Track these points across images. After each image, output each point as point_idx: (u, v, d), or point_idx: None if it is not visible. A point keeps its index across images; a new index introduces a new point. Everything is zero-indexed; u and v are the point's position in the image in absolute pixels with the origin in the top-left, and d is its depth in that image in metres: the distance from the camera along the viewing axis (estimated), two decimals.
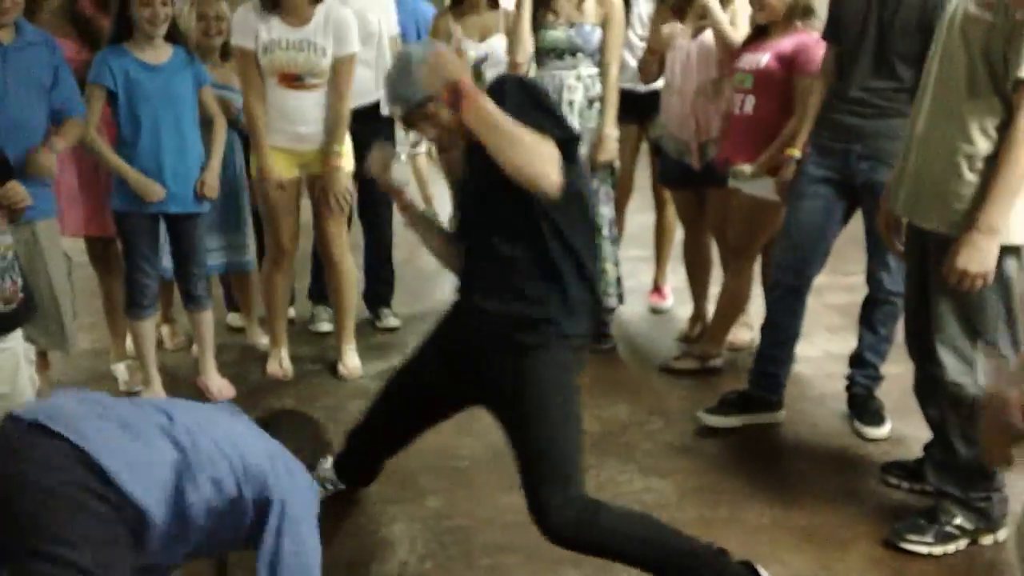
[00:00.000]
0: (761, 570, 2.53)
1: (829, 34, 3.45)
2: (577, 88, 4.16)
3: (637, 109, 4.52)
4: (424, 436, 3.42)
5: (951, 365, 2.76)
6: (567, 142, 2.45)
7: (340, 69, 3.93)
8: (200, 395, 4.01)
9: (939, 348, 2.77)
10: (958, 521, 2.84)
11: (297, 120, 3.95)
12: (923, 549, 2.84)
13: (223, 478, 2.05)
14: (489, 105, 2.37)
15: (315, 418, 2.70)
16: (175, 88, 3.72)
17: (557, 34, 4.13)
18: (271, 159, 3.96)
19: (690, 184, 4.36)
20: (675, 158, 4.34)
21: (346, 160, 4.07)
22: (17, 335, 2.79)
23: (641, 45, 4.50)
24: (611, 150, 4.21)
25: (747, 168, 3.79)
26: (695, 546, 2.48)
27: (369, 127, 4.26)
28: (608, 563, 2.72)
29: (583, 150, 4.08)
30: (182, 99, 3.75)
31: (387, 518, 3.12)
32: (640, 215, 5.30)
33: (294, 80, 3.91)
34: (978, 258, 2.60)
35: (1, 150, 2.96)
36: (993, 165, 2.58)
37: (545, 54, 4.17)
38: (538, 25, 4.15)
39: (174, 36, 3.77)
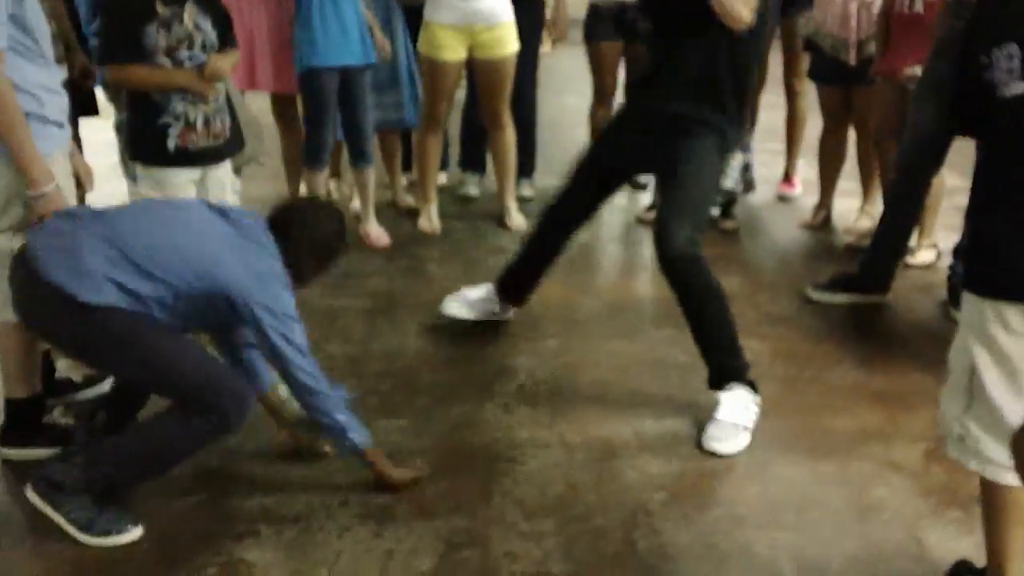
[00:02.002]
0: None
1: None
2: None
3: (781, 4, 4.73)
4: (550, 289, 3.92)
5: None
6: None
7: None
8: (360, 243, 4.56)
9: None
10: None
11: None
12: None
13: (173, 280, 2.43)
14: None
15: (332, 223, 2.79)
16: None
17: None
18: (440, 38, 4.37)
19: (841, 81, 4.54)
20: (831, 54, 4.52)
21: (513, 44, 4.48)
22: (226, 166, 3.37)
23: None
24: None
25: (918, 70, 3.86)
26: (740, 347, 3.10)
27: (519, 8, 4.61)
28: (695, 400, 3.18)
29: None
30: None
31: (512, 350, 3.61)
32: (773, 110, 5.51)
33: None
34: None
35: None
36: None
37: None
38: None
39: None
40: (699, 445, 2.99)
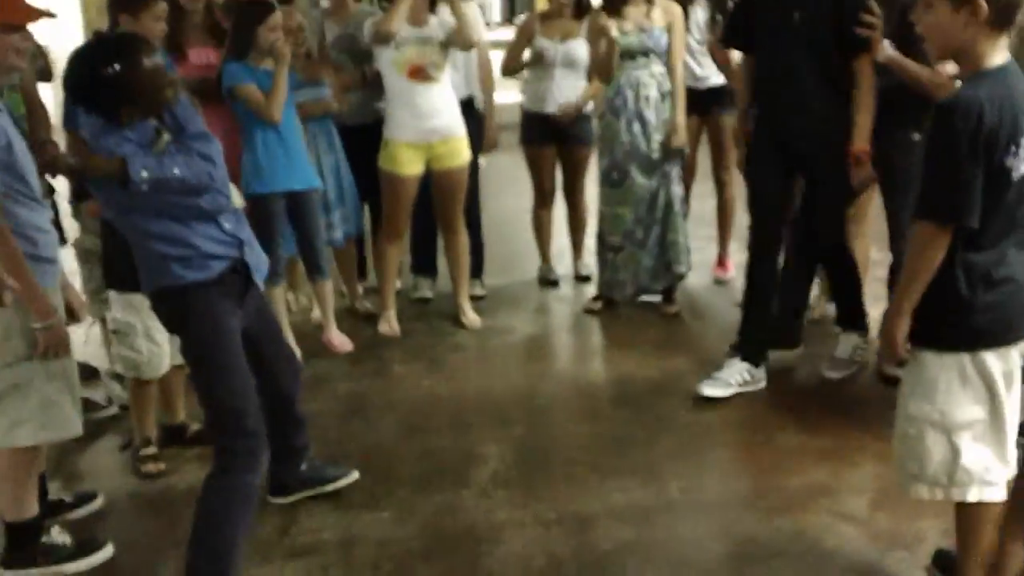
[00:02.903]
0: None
1: None
2: (651, 84, 4.81)
3: (698, 104, 5.15)
4: (511, 380, 4.18)
5: None
6: None
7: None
8: (325, 350, 4.77)
9: None
10: None
11: (428, 114, 4.70)
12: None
13: None
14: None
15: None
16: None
17: (631, 39, 4.77)
18: (401, 154, 4.71)
19: None
20: None
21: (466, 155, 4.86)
22: None
23: (698, 48, 5.13)
24: (682, 137, 4.84)
25: None
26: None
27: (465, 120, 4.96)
28: (659, 470, 3.43)
29: (658, 138, 4.77)
30: (289, 99, 4.44)
31: (483, 440, 3.83)
32: (704, 199, 5.89)
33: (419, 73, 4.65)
34: None
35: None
36: None
37: (622, 57, 4.81)
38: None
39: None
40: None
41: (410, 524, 3.24)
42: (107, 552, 3.09)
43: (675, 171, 4.92)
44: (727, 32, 4.34)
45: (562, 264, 5.83)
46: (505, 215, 6.68)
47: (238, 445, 2.77)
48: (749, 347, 4.18)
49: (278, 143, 4.41)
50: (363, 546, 3.12)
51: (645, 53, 4.80)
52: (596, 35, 4.86)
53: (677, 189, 4.94)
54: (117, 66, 2.58)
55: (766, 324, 4.22)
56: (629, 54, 4.80)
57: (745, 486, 3.38)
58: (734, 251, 5.73)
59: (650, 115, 4.82)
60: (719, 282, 5.67)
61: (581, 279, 5.72)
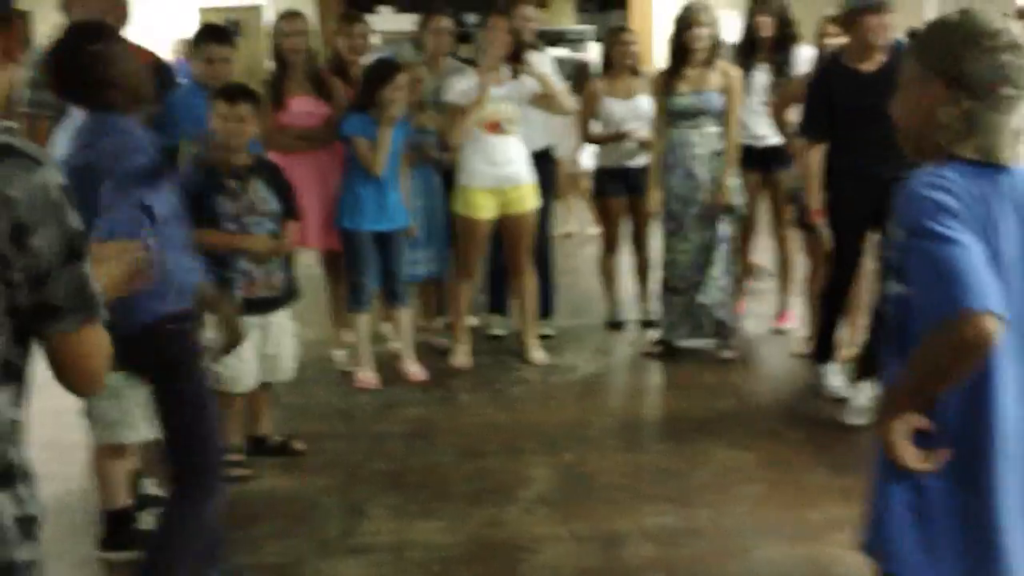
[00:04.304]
0: None
1: None
2: (702, 144, 5.15)
3: (757, 162, 5.45)
4: (567, 412, 4.52)
5: None
6: None
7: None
8: (400, 378, 5.17)
9: None
10: None
11: (503, 163, 5.11)
12: None
13: None
14: None
15: None
16: (396, 139, 4.90)
17: (685, 100, 5.13)
18: (476, 199, 5.13)
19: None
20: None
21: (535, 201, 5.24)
22: (284, 313, 4.03)
23: (760, 109, 5.44)
24: (727, 196, 5.16)
25: None
26: None
27: (537, 168, 5.37)
28: (692, 499, 3.72)
29: (707, 196, 5.10)
30: (395, 147, 4.94)
31: (533, 463, 4.17)
32: (765, 253, 6.15)
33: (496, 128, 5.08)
34: None
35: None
36: None
37: (676, 116, 5.17)
38: (670, 91, 5.16)
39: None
40: None
41: (458, 533, 3.59)
42: None
43: (723, 225, 5.23)
44: (808, 125, 4.63)
45: (629, 309, 6.15)
46: (578, 262, 7.04)
47: (212, 480, 2.93)
48: (868, 364, 4.44)
49: (375, 188, 4.88)
50: (414, 549, 3.48)
51: (698, 114, 5.13)
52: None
53: (725, 234, 5.25)
54: (101, 45, 2.73)
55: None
56: (683, 115, 5.14)
57: (769, 517, 3.64)
58: (794, 303, 5.98)
59: (700, 171, 5.15)
60: (777, 332, 5.91)
61: (646, 324, 6.02)
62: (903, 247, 1.78)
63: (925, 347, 1.71)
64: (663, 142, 5.24)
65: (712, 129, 5.17)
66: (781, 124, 5.27)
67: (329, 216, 5.03)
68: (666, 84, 5.18)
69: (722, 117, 5.17)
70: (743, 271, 5.89)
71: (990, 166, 1.78)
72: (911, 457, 1.76)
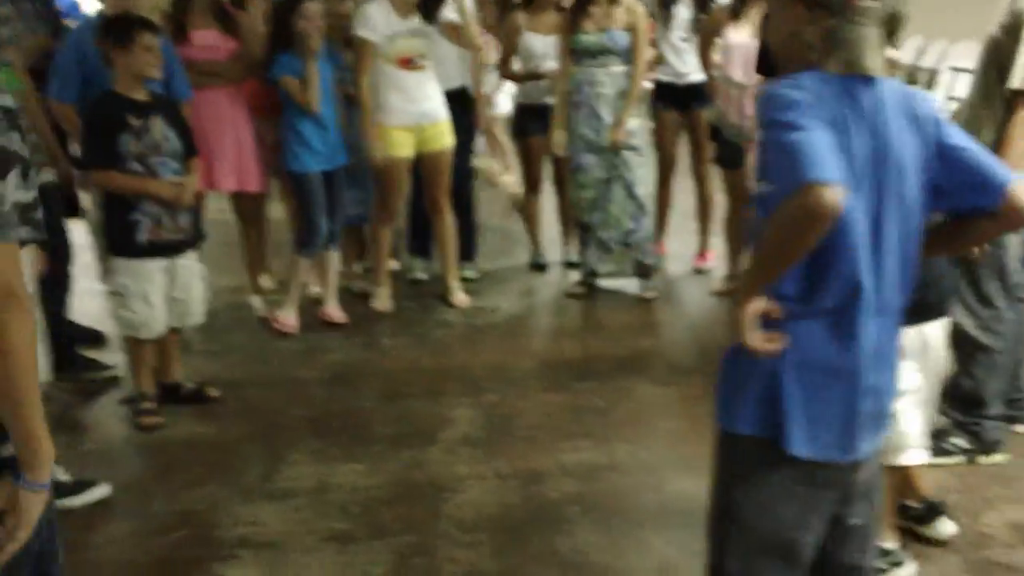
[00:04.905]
0: None
1: None
2: (607, 83, 5.13)
3: (678, 100, 5.44)
4: (488, 354, 4.52)
5: (957, 310, 3.43)
6: None
7: None
8: (320, 323, 5.10)
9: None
10: (956, 440, 3.56)
11: (418, 99, 5.01)
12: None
13: None
14: None
15: None
16: (324, 75, 4.81)
17: (591, 38, 5.10)
18: (394, 138, 5.02)
19: (743, 164, 5.20)
20: (733, 142, 5.17)
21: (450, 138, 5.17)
22: (191, 255, 3.94)
23: (682, 46, 5.41)
24: (622, 133, 5.13)
25: None
26: None
27: (455, 108, 5.29)
28: (611, 435, 3.75)
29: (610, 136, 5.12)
30: (330, 81, 4.86)
31: (455, 405, 4.16)
32: (684, 194, 6.17)
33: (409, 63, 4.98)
34: None
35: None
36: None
37: (581, 55, 5.14)
38: (575, 29, 5.12)
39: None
40: None
41: (380, 475, 3.57)
42: (104, 490, 3.43)
43: (634, 160, 5.21)
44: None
45: (552, 250, 6.14)
46: (499, 204, 7.00)
47: None
48: None
49: (315, 127, 4.79)
50: (335, 492, 3.46)
51: (604, 52, 5.10)
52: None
53: (635, 177, 5.24)
54: None
55: None
56: (588, 53, 5.11)
57: (686, 452, 3.67)
58: (714, 244, 6.03)
59: (604, 112, 5.14)
60: (698, 271, 5.96)
61: (569, 265, 6.02)
62: (760, 143, 1.84)
63: (772, 223, 1.74)
64: (567, 81, 5.21)
65: (618, 68, 5.15)
66: (706, 61, 5.24)
67: (239, 158, 4.90)
68: (571, 22, 5.14)
69: (629, 55, 5.14)
70: (662, 211, 5.90)
71: (853, 77, 1.83)
72: (756, 339, 1.80)
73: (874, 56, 1.83)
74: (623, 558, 2.99)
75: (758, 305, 1.80)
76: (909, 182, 1.86)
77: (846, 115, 1.79)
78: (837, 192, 1.65)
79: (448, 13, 5.11)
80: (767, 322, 1.81)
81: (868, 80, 1.83)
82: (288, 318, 5.04)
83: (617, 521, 3.20)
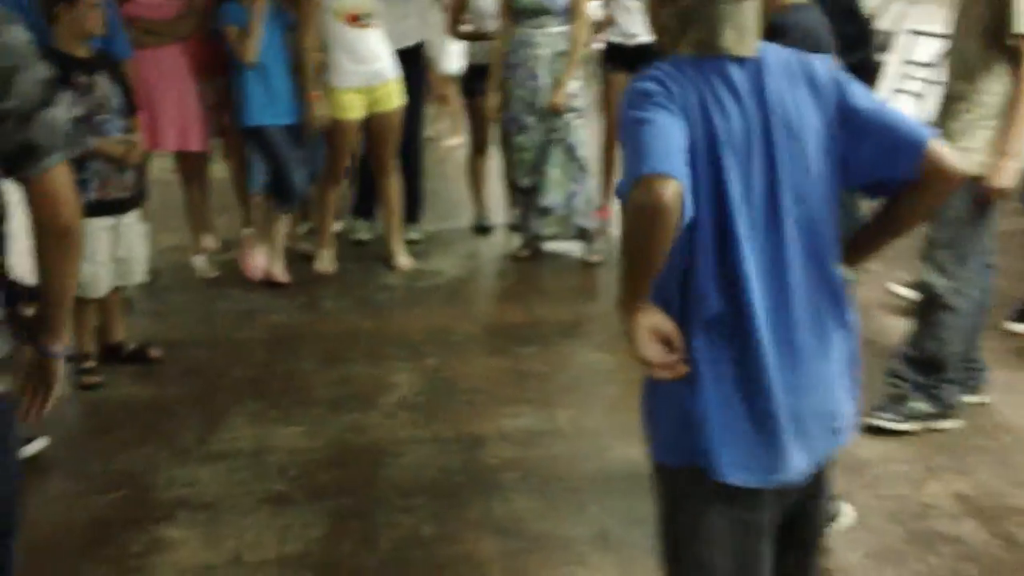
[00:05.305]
0: None
1: None
2: (544, 44, 5.11)
3: (627, 60, 5.43)
4: (431, 319, 4.53)
5: (924, 269, 3.49)
6: None
7: None
8: (259, 284, 5.06)
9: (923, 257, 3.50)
10: (914, 404, 3.55)
11: (369, 59, 4.95)
12: (889, 425, 3.54)
13: None
14: None
15: None
16: (273, 32, 4.76)
17: None
18: (345, 100, 4.96)
19: None
20: None
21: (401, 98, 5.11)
22: (135, 214, 3.89)
23: (633, 5, 5.39)
24: (561, 96, 5.11)
25: None
26: None
27: (409, 67, 5.25)
28: (551, 401, 3.79)
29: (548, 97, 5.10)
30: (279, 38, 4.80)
31: (396, 369, 4.15)
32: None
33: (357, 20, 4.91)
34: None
35: None
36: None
37: (519, 15, 5.10)
38: None
39: None
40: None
41: (319, 438, 3.57)
42: (41, 443, 3.40)
43: (575, 122, 5.21)
44: None
45: (496, 213, 6.12)
46: (445, 164, 6.98)
47: None
48: None
49: (258, 80, 4.73)
50: (273, 454, 3.46)
51: (542, 12, 5.07)
52: None
53: (576, 139, 5.23)
54: None
55: None
56: (525, 13, 5.08)
57: (628, 418, 3.66)
58: None
59: (542, 73, 5.11)
60: None
61: (514, 228, 6.01)
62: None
63: (622, 226, 1.65)
64: (506, 42, 5.18)
65: (556, 29, 5.12)
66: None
67: (182, 117, 4.83)
68: None
69: (568, 16, 5.12)
70: (609, 174, 5.91)
71: (709, 57, 1.74)
72: (656, 359, 1.66)
73: (734, 34, 1.74)
74: (561, 525, 3.02)
75: (649, 320, 1.66)
76: (809, 155, 1.74)
77: (712, 96, 1.70)
78: (670, 185, 1.55)
79: None
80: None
81: (729, 59, 1.74)
82: (277, 270, 5.09)
83: (556, 487, 3.23)
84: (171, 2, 4.76)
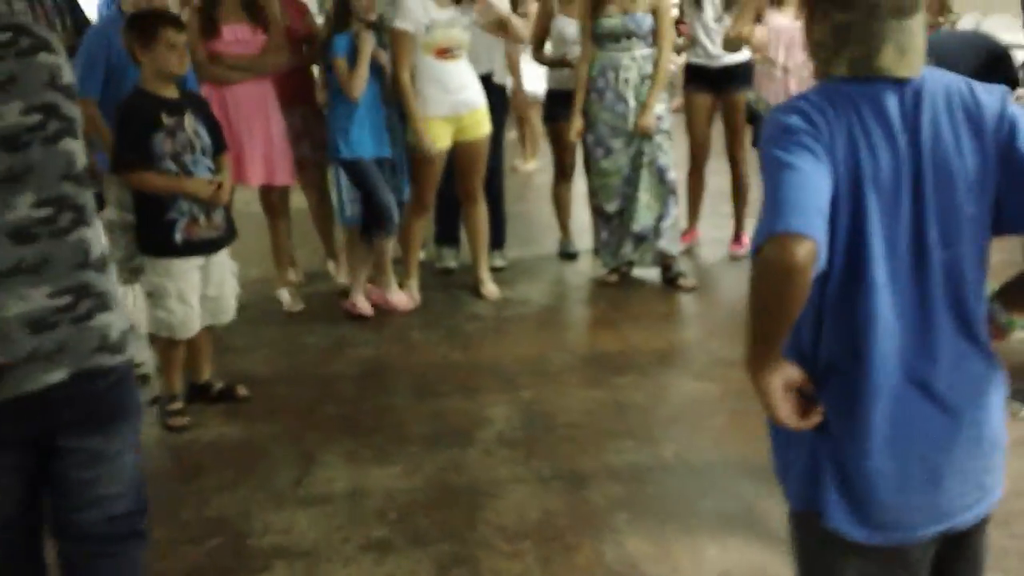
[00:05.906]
0: None
1: None
2: (631, 67, 4.97)
3: (712, 82, 5.26)
4: (524, 348, 4.38)
5: None
6: None
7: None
8: (347, 317, 4.97)
9: None
10: None
11: (457, 88, 4.88)
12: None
13: None
14: None
15: None
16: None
17: (613, 21, 4.93)
18: (433, 129, 4.86)
19: None
20: None
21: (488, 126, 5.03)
22: (224, 252, 3.81)
23: (715, 27, 5.23)
24: (648, 119, 4.96)
25: None
26: None
27: (488, 95, 5.13)
28: (656, 434, 3.60)
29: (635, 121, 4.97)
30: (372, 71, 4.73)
31: (492, 402, 4.01)
32: (718, 176, 6.00)
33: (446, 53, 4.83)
34: None
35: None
36: None
37: (604, 38, 4.97)
38: (597, 14, 4.95)
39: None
40: None
41: (416, 478, 3.44)
42: None
43: (664, 144, 5.05)
44: None
45: (581, 239, 5.97)
46: (529, 189, 6.85)
47: None
48: None
49: (356, 113, 4.69)
50: (371, 497, 3.32)
51: (627, 36, 4.94)
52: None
53: (664, 163, 5.07)
54: None
55: None
56: (611, 37, 4.95)
57: (734, 451, 3.53)
58: (749, 227, 5.85)
59: (629, 96, 4.98)
60: (734, 258, 5.79)
61: (597, 252, 5.85)
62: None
63: (750, 279, 1.58)
64: (587, 67, 5.06)
65: (642, 51, 4.98)
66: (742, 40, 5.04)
67: (269, 152, 4.78)
68: (593, 5, 4.98)
69: (653, 38, 4.98)
70: (694, 197, 5.75)
71: (866, 79, 1.62)
72: (788, 414, 1.65)
73: (895, 53, 1.60)
74: (678, 570, 2.84)
75: (784, 375, 1.64)
76: (960, 196, 1.61)
77: (862, 130, 1.59)
78: (804, 246, 1.47)
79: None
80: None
81: (895, 81, 1.60)
82: (363, 303, 5.00)
83: (669, 529, 3.04)
84: (255, 38, 4.72)
